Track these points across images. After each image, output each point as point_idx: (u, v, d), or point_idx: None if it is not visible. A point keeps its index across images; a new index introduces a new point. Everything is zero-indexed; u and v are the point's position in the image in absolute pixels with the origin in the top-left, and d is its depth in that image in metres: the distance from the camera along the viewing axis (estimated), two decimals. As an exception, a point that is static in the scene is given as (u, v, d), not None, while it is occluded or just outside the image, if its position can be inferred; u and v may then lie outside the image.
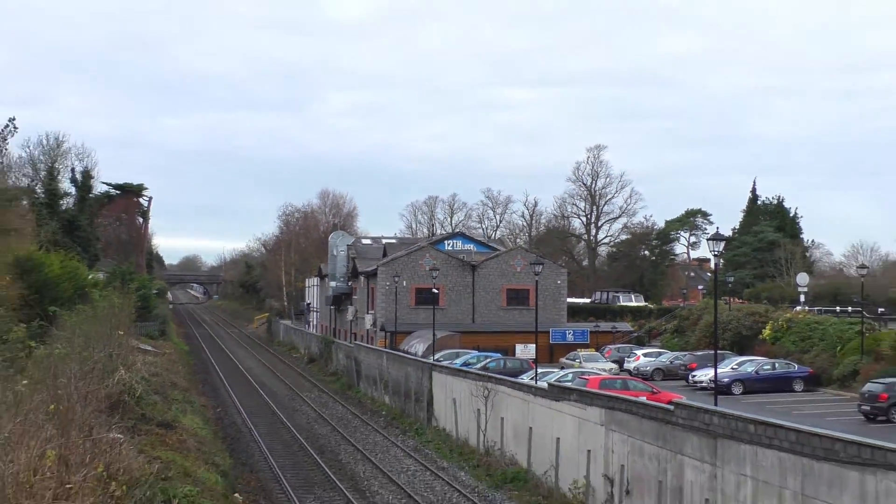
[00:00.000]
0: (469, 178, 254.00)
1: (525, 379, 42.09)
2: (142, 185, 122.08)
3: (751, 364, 49.68)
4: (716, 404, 27.43)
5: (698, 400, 30.89)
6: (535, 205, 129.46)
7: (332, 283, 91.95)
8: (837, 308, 67.05)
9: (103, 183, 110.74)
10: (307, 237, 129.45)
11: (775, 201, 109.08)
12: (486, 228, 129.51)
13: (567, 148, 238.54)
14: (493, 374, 43.14)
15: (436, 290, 65.41)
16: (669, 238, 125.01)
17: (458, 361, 52.94)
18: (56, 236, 67.09)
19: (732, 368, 48.97)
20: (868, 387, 38.96)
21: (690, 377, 50.36)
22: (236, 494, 30.74)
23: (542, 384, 36.86)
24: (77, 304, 43.08)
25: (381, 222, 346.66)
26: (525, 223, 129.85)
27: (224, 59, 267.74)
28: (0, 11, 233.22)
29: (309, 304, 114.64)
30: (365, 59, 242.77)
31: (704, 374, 47.42)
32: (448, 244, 79.05)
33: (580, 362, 54.90)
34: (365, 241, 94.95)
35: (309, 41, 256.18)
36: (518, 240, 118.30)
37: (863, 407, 38.02)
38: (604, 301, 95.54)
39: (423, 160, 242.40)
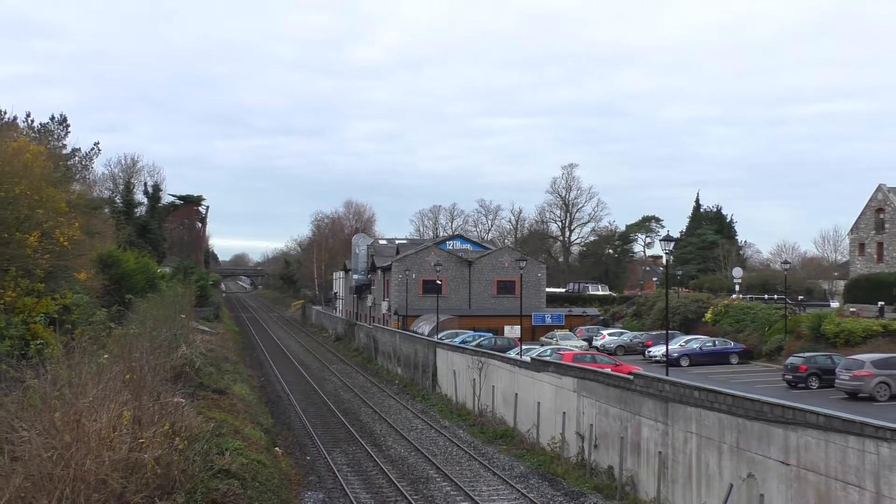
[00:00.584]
0: (466, 190, 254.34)
1: (512, 354, 42.02)
2: (201, 196, 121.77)
3: (696, 342, 49.56)
4: (667, 374, 27.39)
5: (653, 371, 30.84)
6: (520, 212, 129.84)
7: (355, 276, 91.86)
8: (766, 296, 66.98)
9: (169, 194, 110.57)
10: (334, 238, 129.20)
11: (715, 209, 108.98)
12: (480, 231, 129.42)
13: (546, 166, 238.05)
14: (485, 350, 43.05)
15: (439, 282, 65.36)
16: (629, 239, 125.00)
17: (458, 340, 52.84)
18: (131, 238, 67.03)
19: (681, 345, 48.85)
20: (790, 360, 38.90)
21: (647, 352, 50.25)
22: (276, 448, 30.71)
23: (526, 358, 36.82)
24: (148, 293, 43.16)
25: (394, 226, 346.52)
26: (512, 227, 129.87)
27: (268, 94, 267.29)
28: (89, 55, 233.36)
29: (336, 293, 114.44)
30: (382, 94, 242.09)
31: (658, 350, 47.32)
32: (449, 244, 78.93)
33: (557, 340, 54.80)
34: (381, 242, 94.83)
35: (336, 80, 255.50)
36: (506, 241, 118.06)
37: (786, 376, 37.95)
38: (576, 290, 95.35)
39: (429, 176, 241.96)
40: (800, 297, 65.29)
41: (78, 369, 15.88)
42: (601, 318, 73.57)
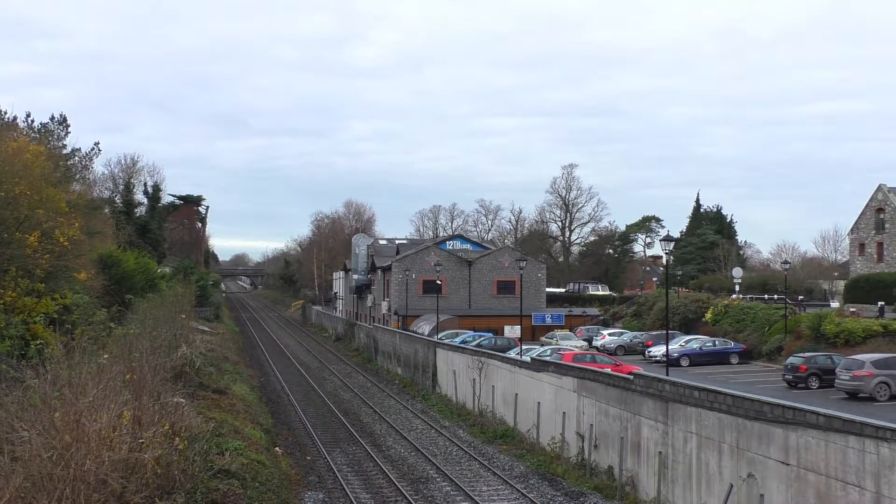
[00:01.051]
0: (466, 190, 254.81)
1: (512, 354, 41.99)
2: (201, 196, 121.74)
3: (696, 342, 49.54)
4: (667, 374, 27.38)
5: (653, 371, 30.82)
6: (520, 212, 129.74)
7: (355, 276, 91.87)
8: (766, 296, 66.93)
9: (169, 195, 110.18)
10: (334, 238, 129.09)
11: (715, 209, 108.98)
12: (480, 231, 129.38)
13: (545, 166, 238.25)
14: (485, 350, 43.02)
15: (439, 282, 65.35)
16: (629, 239, 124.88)
17: (458, 340, 52.81)
18: (131, 238, 67.02)
19: (681, 345, 48.81)
20: (790, 360, 38.88)
21: (647, 352, 50.23)
22: (276, 448, 30.72)
23: (526, 358, 36.81)
24: (148, 293, 43.17)
25: (394, 226, 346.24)
26: (511, 227, 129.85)
27: (269, 95, 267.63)
28: (90, 57, 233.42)
29: (336, 293, 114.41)
30: (382, 95, 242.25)
31: (658, 350, 47.27)
32: (449, 244, 78.94)
33: (557, 340, 54.74)
34: (381, 242, 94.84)
35: (337, 81, 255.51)
36: (506, 241, 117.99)
37: (786, 376, 37.93)
38: (576, 290, 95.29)
39: (429, 176, 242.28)
40: (800, 297, 65.26)
41: (78, 369, 15.87)
42: (601, 318, 73.47)
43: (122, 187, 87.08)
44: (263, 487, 20.37)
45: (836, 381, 34.32)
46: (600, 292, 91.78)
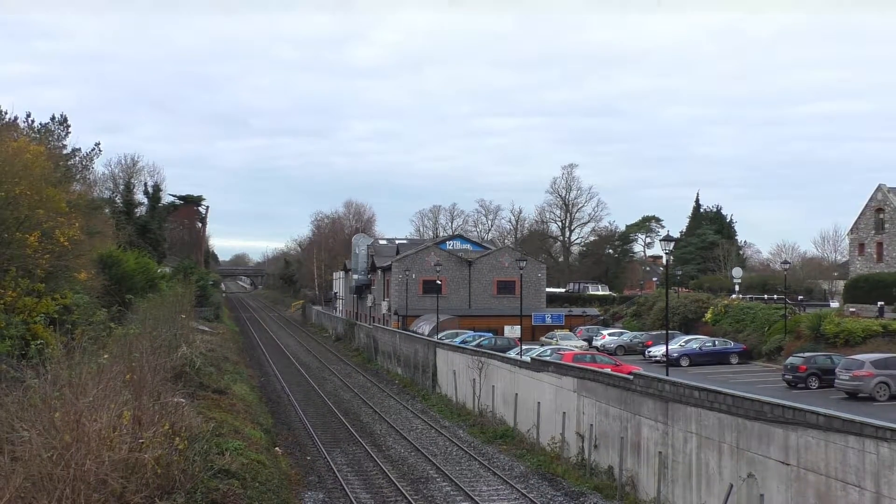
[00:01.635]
0: (466, 190, 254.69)
1: (512, 354, 41.94)
2: (201, 196, 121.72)
3: (696, 342, 49.51)
4: (667, 374, 27.36)
5: (653, 371, 30.80)
6: (520, 212, 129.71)
7: (355, 276, 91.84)
8: (765, 296, 66.92)
9: (170, 195, 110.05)
10: (334, 238, 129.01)
11: (715, 209, 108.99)
12: (480, 231, 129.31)
13: (545, 166, 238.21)
14: (485, 350, 42.98)
15: (439, 282, 65.33)
16: (629, 239, 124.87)
17: (458, 340, 52.75)
18: (131, 238, 66.98)
19: (681, 345, 48.78)
20: (790, 360, 38.88)
21: (647, 352, 50.20)
22: (276, 448, 30.71)
23: (526, 358, 36.78)
24: (148, 293, 43.19)
25: (394, 226, 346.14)
26: (511, 227, 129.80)
27: (269, 95, 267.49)
28: (91, 57, 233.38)
29: (336, 293, 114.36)
30: (382, 95, 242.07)
31: (658, 350, 47.24)
32: (449, 244, 78.91)
33: (557, 340, 54.70)
34: (381, 242, 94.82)
35: (337, 81, 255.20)
36: (506, 241, 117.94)
37: (786, 376, 37.93)
38: (576, 290, 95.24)
39: (429, 176, 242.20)
40: (800, 297, 65.25)
41: (78, 369, 15.88)
42: (601, 318, 73.37)
43: (122, 187, 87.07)
44: (263, 487, 20.38)
45: (836, 381, 34.32)
46: (600, 292, 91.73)
